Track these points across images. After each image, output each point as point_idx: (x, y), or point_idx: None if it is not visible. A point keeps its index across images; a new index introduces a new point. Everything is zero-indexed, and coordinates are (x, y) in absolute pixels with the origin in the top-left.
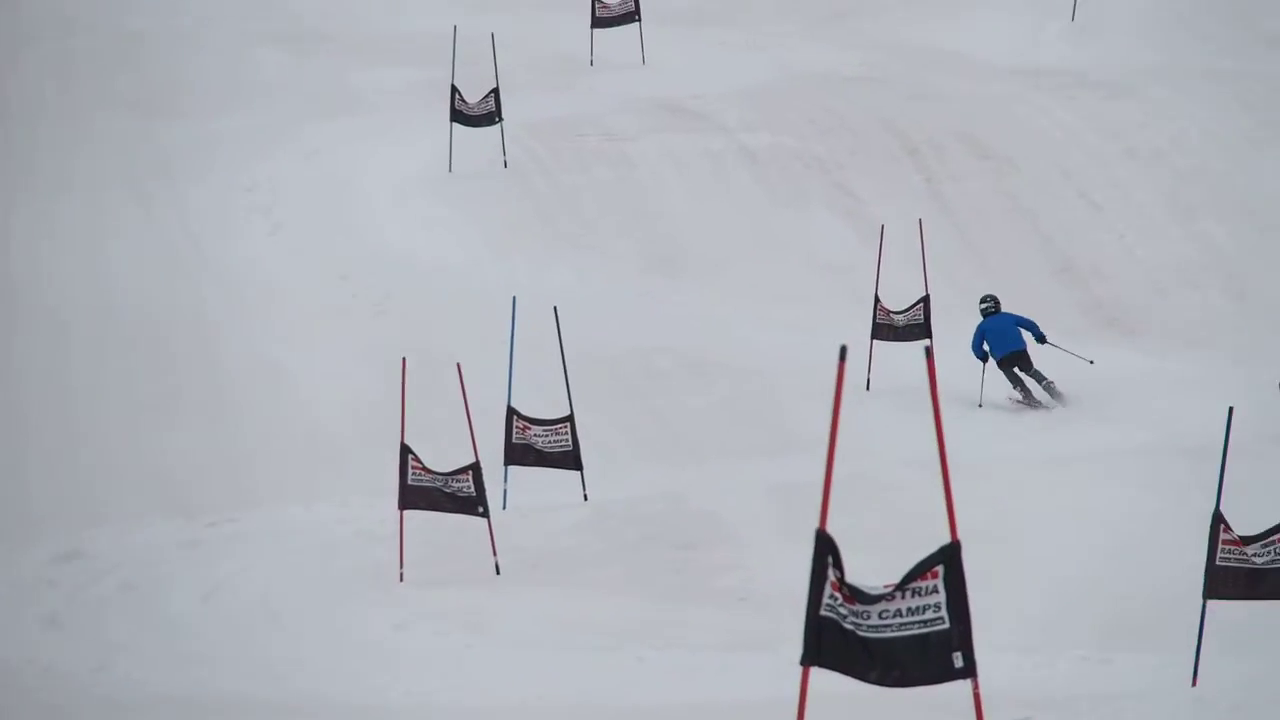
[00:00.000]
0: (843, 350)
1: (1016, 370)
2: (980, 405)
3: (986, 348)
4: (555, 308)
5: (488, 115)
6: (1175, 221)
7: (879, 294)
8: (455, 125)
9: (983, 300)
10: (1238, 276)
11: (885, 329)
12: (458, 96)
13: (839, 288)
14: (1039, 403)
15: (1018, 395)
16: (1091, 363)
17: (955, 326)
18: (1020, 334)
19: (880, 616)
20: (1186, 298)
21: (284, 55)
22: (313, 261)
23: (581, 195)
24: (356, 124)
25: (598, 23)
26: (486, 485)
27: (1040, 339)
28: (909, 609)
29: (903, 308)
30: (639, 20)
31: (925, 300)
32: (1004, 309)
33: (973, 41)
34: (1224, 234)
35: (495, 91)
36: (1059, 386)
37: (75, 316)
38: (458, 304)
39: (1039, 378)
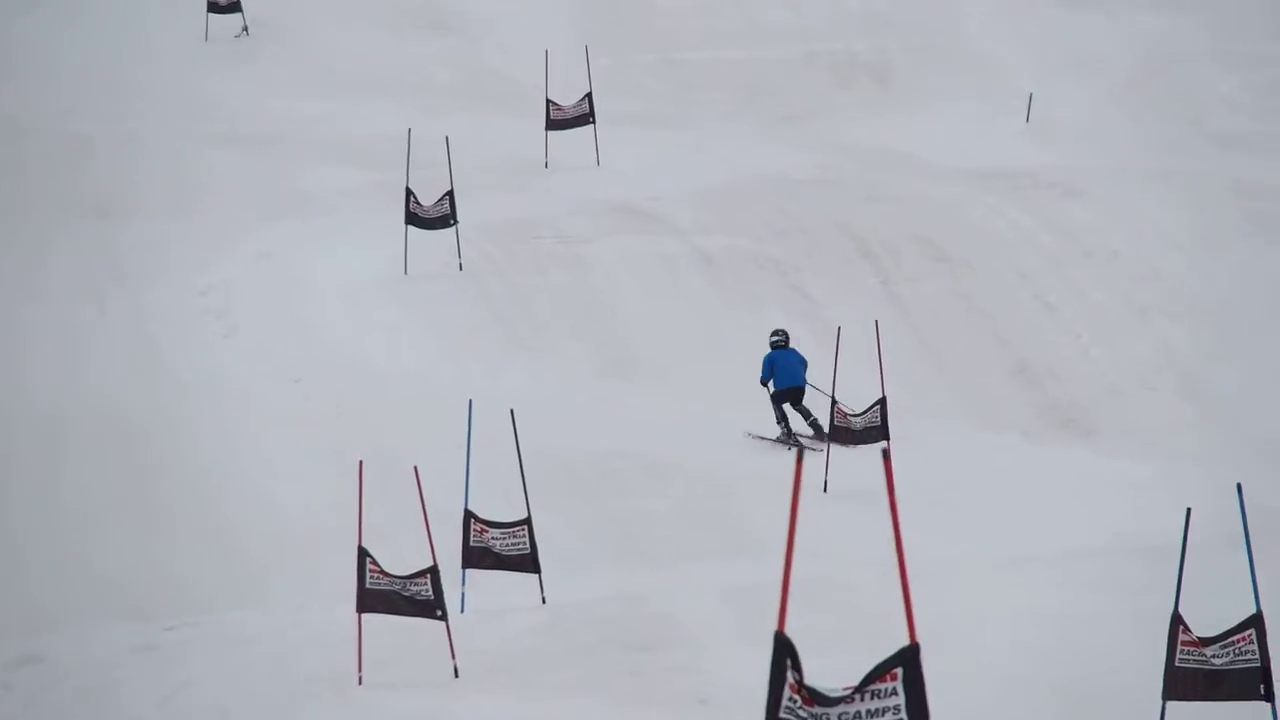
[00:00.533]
0: (799, 452)
1: (787, 405)
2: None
3: (774, 380)
4: (511, 410)
5: (443, 218)
6: (1131, 322)
7: (835, 396)
8: (410, 228)
9: (774, 333)
10: (1194, 376)
11: (843, 431)
12: (413, 199)
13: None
14: (797, 441)
15: (782, 429)
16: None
17: (913, 427)
18: (802, 373)
19: (840, 719)
20: (1143, 398)
21: (235, 157)
22: (268, 364)
23: (537, 297)
24: (310, 226)
25: (552, 125)
26: (445, 588)
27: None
28: (868, 711)
29: (860, 410)
30: (593, 123)
31: (882, 402)
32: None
33: (927, 143)
34: (1180, 334)
35: (450, 194)
36: (824, 426)
37: (30, 421)
38: (413, 406)
39: (805, 414)
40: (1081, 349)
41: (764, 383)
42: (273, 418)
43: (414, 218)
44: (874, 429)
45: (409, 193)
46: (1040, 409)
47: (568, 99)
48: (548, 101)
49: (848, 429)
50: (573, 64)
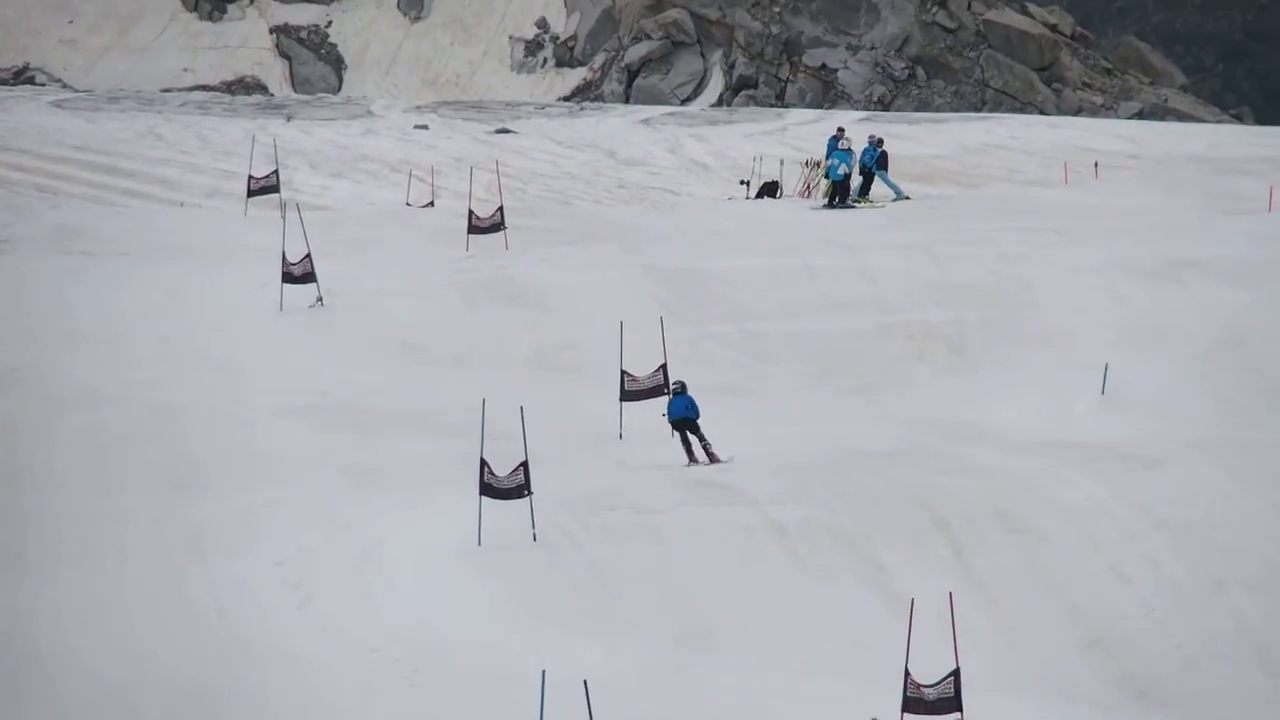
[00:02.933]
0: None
1: (685, 433)
2: None
3: (668, 413)
4: (585, 682)
5: (517, 489)
6: (1206, 594)
7: (909, 668)
8: (485, 498)
9: (675, 382)
10: (1271, 648)
11: (916, 703)
12: (487, 470)
13: (868, 663)
14: (698, 460)
15: (685, 459)
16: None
17: (986, 700)
18: (687, 411)
19: None
20: (1218, 671)
21: (310, 428)
22: (342, 635)
23: (612, 569)
24: (385, 496)
25: (627, 396)
26: None
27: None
28: None
29: (934, 681)
30: (668, 394)
31: (955, 674)
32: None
33: (1002, 415)
34: (1257, 605)
35: (524, 465)
36: (721, 454)
37: (104, 690)
38: (487, 678)
39: (702, 439)
40: (1156, 621)
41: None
42: (346, 689)
43: (488, 488)
44: (947, 700)
45: (483, 463)
46: (1115, 681)
47: (642, 370)
48: (622, 372)
49: (920, 699)
50: (648, 335)
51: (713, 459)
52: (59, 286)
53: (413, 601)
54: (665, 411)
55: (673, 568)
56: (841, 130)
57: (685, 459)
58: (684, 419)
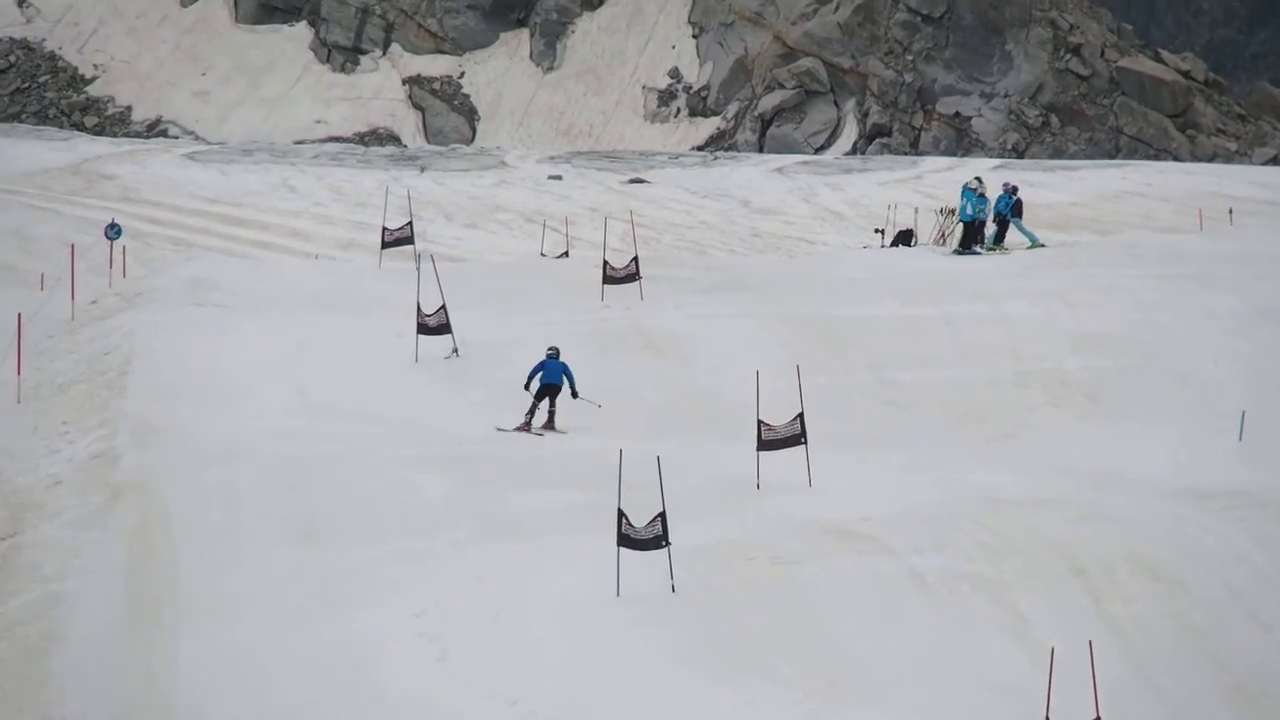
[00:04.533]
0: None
1: (546, 399)
2: None
3: (538, 377)
4: None
5: (655, 539)
6: None
7: (1050, 717)
8: (622, 549)
9: (550, 348)
10: None
11: None
12: (624, 520)
13: (1009, 712)
14: (537, 429)
15: (526, 418)
16: (599, 406)
17: None
18: (562, 377)
19: None
20: None
21: (445, 478)
22: (481, 688)
23: (750, 619)
24: (521, 547)
25: (764, 445)
26: None
27: (574, 393)
28: None
29: None
30: (805, 442)
31: None
32: None
33: (1139, 462)
34: None
35: (662, 515)
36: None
37: None
38: None
39: (550, 414)
40: None
41: (526, 385)
42: None
43: (626, 539)
44: None
45: (621, 514)
46: None
47: (779, 419)
48: (759, 422)
49: None
50: (784, 384)
51: (552, 427)
52: (193, 339)
53: (551, 653)
54: (535, 373)
55: (812, 618)
56: (976, 179)
57: (523, 422)
58: (554, 387)
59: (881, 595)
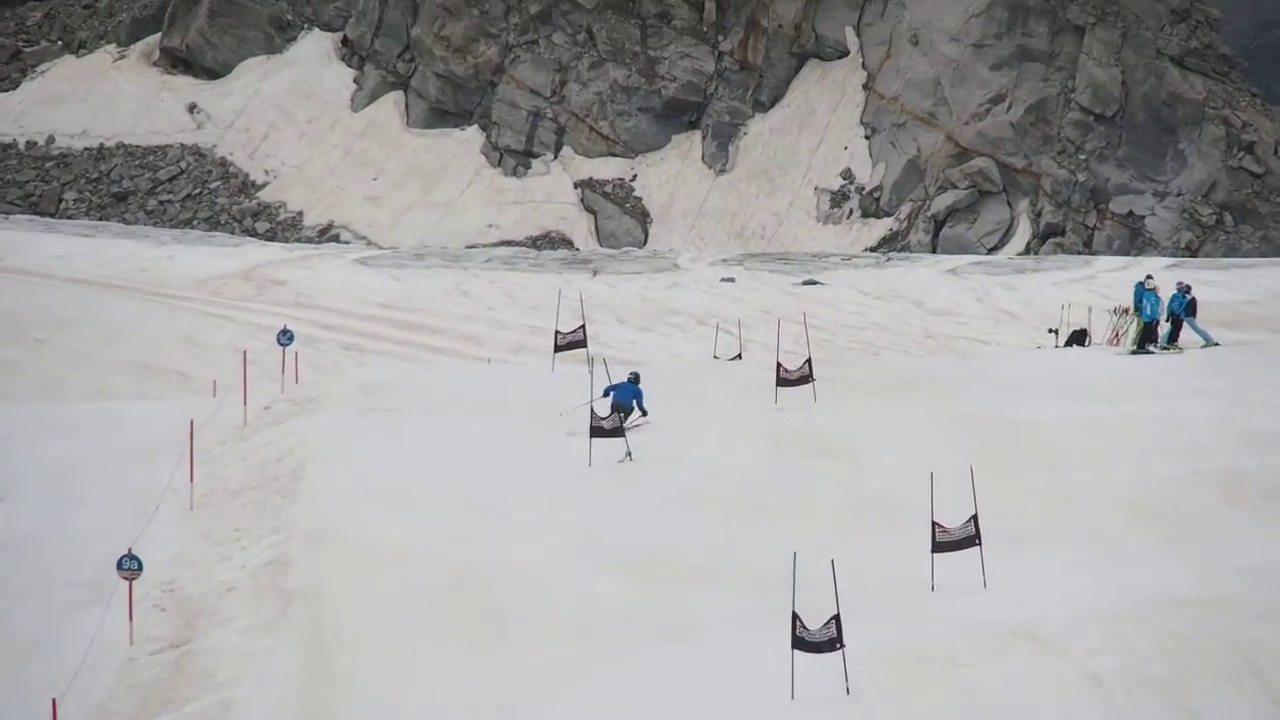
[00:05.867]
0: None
1: (619, 415)
2: None
3: (611, 395)
4: None
5: (829, 641)
6: None
7: None
8: (796, 651)
9: (631, 373)
10: None
11: None
12: (799, 623)
13: None
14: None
15: (617, 420)
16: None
17: None
18: (632, 401)
19: None
20: None
21: (620, 585)
22: None
23: None
24: (695, 651)
25: (938, 547)
26: None
27: (643, 412)
28: None
29: None
30: (979, 544)
31: None
32: None
33: None
34: None
35: (836, 617)
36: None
37: None
38: None
39: (622, 428)
40: None
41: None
42: None
43: (800, 641)
44: None
45: (795, 616)
46: None
47: (953, 520)
48: (933, 523)
49: None
50: (957, 485)
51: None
52: (365, 444)
53: None
54: (609, 393)
55: None
56: (1150, 277)
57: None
58: (622, 406)
59: (1057, 697)
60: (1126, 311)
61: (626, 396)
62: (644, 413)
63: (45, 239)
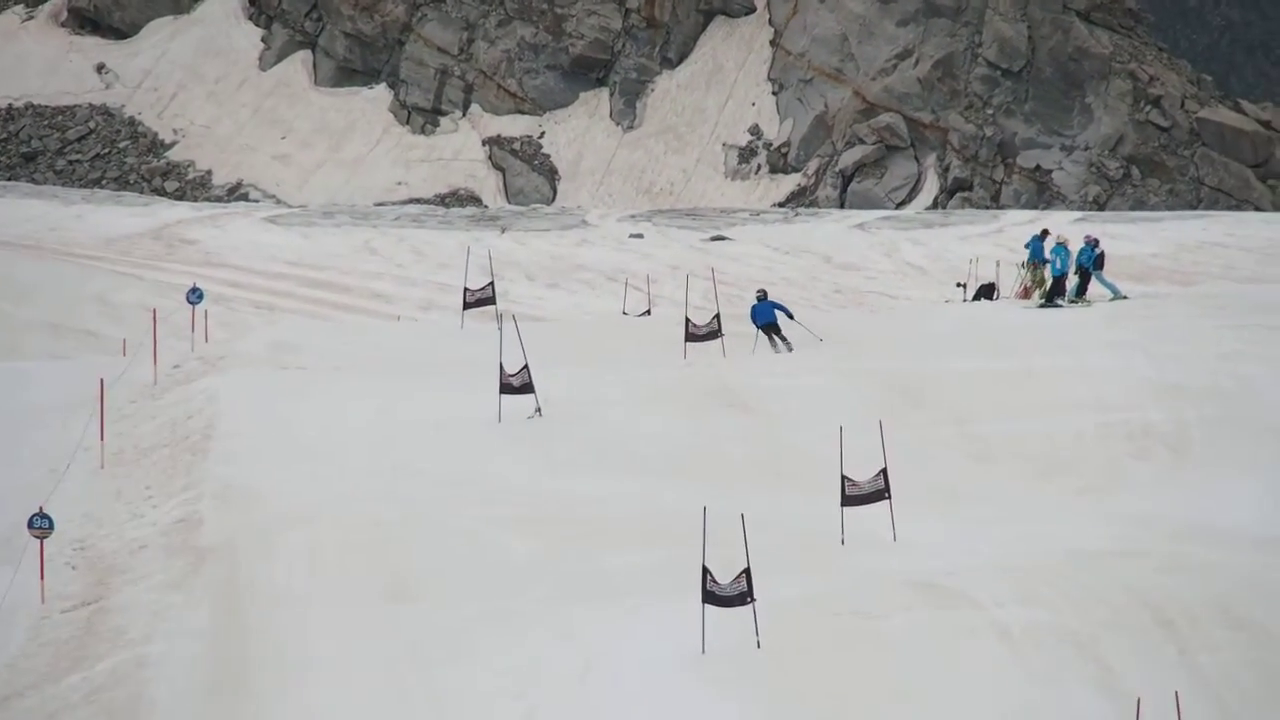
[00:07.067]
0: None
1: (770, 334)
2: None
3: (757, 321)
4: None
5: (740, 595)
6: None
7: None
8: (707, 606)
9: (758, 291)
10: None
11: None
12: (709, 577)
13: None
14: (778, 350)
15: (771, 348)
16: (821, 339)
17: None
18: (774, 313)
19: None
20: None
21: (529, 539)
22: None
23: (836, 675)
24: (606, 607)
25: (848, 500)
26: None
27: (789, 315)
28: None
29: None
30: (889, 498)
31: None
32: None
33: (1224, 512)
34: None
35: (747, 571)
36: (786, 347)
37: None
38: None
39: (784, 339)
40: None
41: (754, 322)
42: None
43: (711, 596)
44: None
45: (705, 571)
46: None
47: (863, 474)
48: (843, 477)
49: None
50: (867, 439)
51: (787, 347)
52: (275, 402)
53: (638, 711)
54: (754, 317)
55: (898, 673)
56: (1045, 231)
57: (771, 348)
58: (771, 324)
59: (967, 649)
60: (1034, 266)
61: (768, 312)
62: (790, 315)
63: None
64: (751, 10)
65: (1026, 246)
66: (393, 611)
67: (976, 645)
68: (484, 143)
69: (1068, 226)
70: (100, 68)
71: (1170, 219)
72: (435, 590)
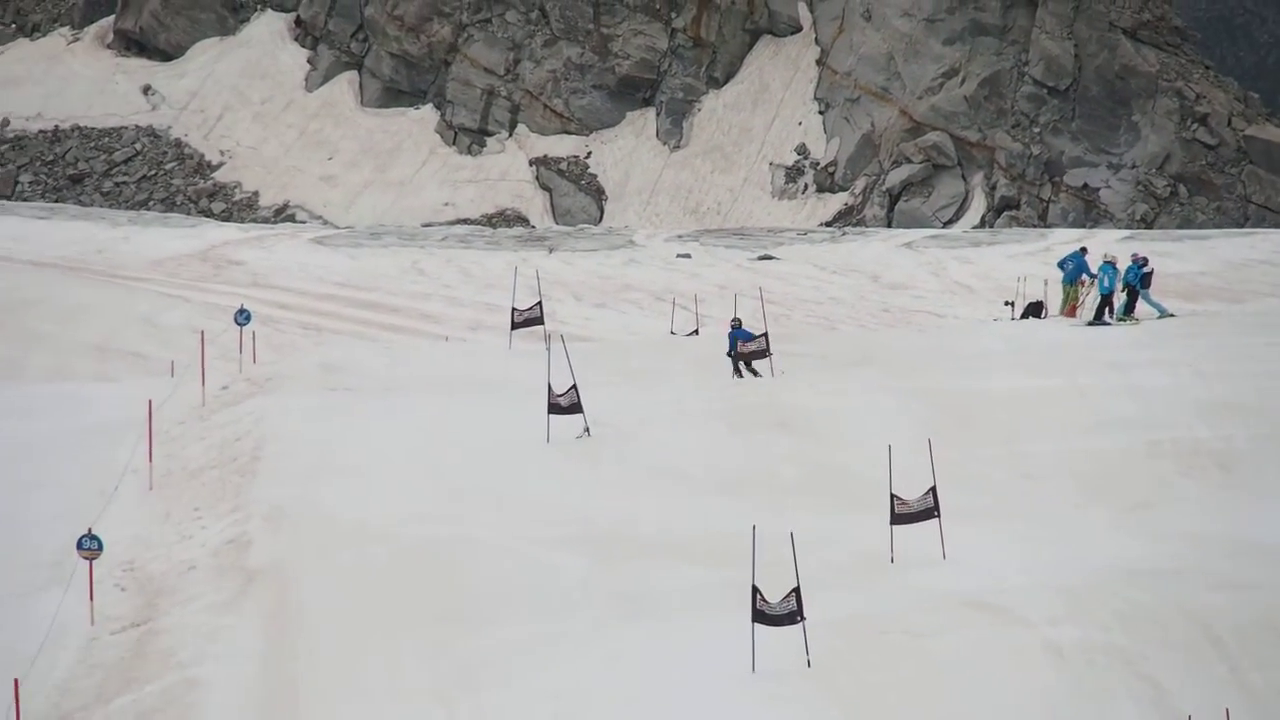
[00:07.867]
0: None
1: (741, 363)
2: None
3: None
4: None
5: (789, 614)
6: None
7: None
8: (757, 625)
9: (733, 320)
10: None
11: None
12: (759, 596)
13: None
14: (741, 377)
15: (737, 376)
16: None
17: None
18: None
19: None
20: None
21: (579, 558)
22: None
23: (886, 693)
24: (657, 626)
25: (897, 519)
26: None
27: (765, 349)
28: None
29: None
30: (938, 516)
31: None
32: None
33: (1273, 530)
34: None
35: (796, 590)
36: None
37: None
38: None
39: (751, 369)
40: None
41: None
42: None
43: (761, 615)
44: None
45: (755, 590)
46: None
47: (912, 493)
48: (892, 496)
49: None
50: (916, 458)
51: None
52: (323, 423)
53: None
54: (734, 344)
55: (948, 691)
56: (1084, 249)
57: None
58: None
59: (1017, 667)
60: (1083, 283)
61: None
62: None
63: (1, 222)
64: (798, 29)
65: (1060, 266)
66: (442, 633)
67: (1027, 663)
68: (531, 163)
69: (1115, 245)
70: (146, 89)
71: (1218, 236)
72: (485, 612)
